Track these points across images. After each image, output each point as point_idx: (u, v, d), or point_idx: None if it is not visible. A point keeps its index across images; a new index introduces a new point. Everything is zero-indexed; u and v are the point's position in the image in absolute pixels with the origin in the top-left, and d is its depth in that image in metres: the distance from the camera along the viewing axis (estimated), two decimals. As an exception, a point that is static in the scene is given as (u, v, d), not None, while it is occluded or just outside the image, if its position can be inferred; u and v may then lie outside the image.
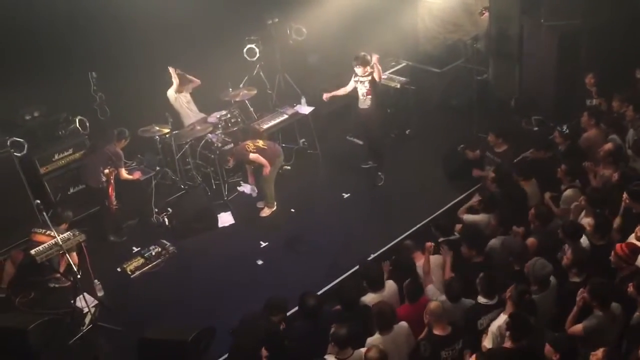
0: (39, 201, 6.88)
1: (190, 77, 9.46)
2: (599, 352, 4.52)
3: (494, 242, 6.31)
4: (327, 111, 10.23)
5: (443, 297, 5.65)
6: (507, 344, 4.91)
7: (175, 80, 9.29)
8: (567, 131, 7.72)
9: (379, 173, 9.03)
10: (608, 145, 7.06)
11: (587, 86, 8.68)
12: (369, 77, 8.52)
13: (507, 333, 4.91)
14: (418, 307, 5.57)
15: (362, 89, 8.62)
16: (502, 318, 5.16)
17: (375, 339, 5.26)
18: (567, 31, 9.33)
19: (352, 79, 8.76)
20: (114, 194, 8.16)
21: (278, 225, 8.41)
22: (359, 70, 8.53)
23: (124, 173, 8.23)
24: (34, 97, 8.88)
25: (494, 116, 9.92)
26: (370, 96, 8.60)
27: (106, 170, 8.05)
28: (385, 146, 9.41)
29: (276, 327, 5.73)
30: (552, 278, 5.54)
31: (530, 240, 6.18)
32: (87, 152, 8.45)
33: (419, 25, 12.30)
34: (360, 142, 9.70)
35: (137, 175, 8.51)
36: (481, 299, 5.57)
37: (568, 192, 6.77)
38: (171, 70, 9.27)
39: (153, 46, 9.65)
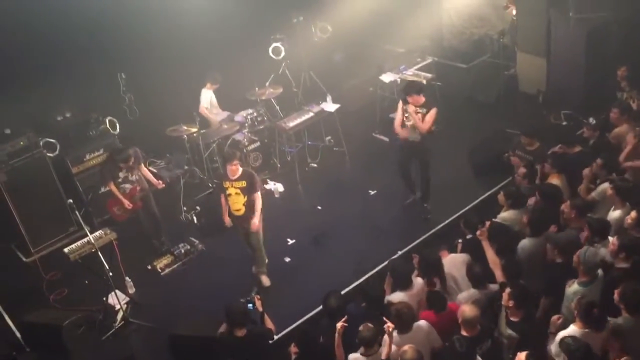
0: (71, 200, 7.02)
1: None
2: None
3: (524, 243, 6.16)
4: (353, 109, 10.23)
5: (471, 291, 5.64)
6: None
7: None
8: (594, 122, 7.61)
9: (425, 205, 8.24)
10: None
11: (619, 79, 8.54)
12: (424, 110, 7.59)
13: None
14: (442, 316, 5.50)
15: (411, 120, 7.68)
16: (571, 329, 4.95)
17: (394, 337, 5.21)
18: (597, 23, 9.18)
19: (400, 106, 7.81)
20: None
21: (305, 223, 8.45)
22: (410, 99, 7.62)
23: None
24: (65, 98, 9.07)
25: (521, 111, 9.80)
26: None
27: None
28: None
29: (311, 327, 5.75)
30: (599, 271, 5.42)
31: None
32: None
33: (444, 21, 12.24)
34: (387, 139, 9.66)
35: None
36: None
37: (604, 185, 6.58)
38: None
39: (180, 47, 9.79)
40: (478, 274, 5.70)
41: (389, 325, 5.13)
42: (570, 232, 6.15)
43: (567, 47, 9.56)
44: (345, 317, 5.42)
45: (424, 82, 9.90)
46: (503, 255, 5.96)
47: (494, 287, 5.75)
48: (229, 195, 7.11)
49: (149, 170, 8.23)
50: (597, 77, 9.29)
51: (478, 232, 6.13)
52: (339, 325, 5.34)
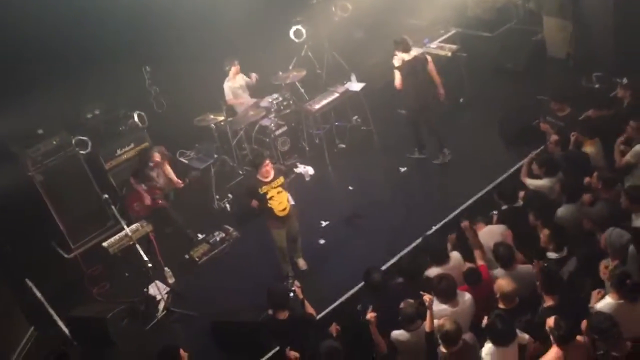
0: (107, 195, 7.15)
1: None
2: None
3: (561, 211, 6.08)
4: (378, 86, 10.12)
5: (499, 270, 5.56)
6: None
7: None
8: (627, 82, 7.39)
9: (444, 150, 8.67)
10: None
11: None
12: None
13: None
14: (476, 289, 5.47)
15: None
16: (607, 300, 4.81)
17: (443, 309, 5.22)
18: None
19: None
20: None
21: (337, 204, 8.44)
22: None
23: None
24: (92, 95, 9.20)
25: (551, 77, 9.58)
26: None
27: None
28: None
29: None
30: (631, 247, 5.24)
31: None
32: None
33: (466, -10, 11.99)
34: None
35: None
36: (551, 255, 5.49)
37: (638, 147, 6.44)
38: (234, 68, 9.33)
39: (201, 37, 9.82)
40: (503, 255, 5.55)
41: (427, 297, 5.12)
42: (603, 206, 5.98)
43: (594, 8, 9.28)
44: (372, 308, 5.42)
45: (449, 54, 9.76)
46: (546, 224, 5.82)
47: (522, 267, 5.62)
48: (271, 198, 6.80)
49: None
50: (628, 35, 8.99)
51: (462, 224, 6.06)
52: (369, 316, 5.35)
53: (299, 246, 7.46)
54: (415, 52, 8.48)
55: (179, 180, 8.15)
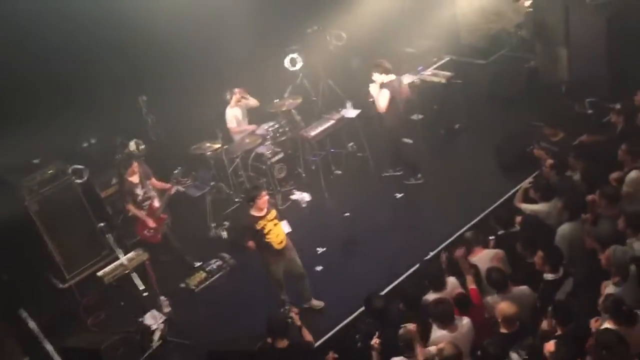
0: (102, 224, 7.11)
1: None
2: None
3: (563, 229, 6.05)
4: (374, 113, 10.17)
5: (495, 296, 5.54)
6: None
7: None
8: (620, 107, 7.46)
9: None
10: None
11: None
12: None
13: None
14: (469, 316, 5.44)
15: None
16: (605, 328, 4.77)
17: (442, 335, 5.18)
18: (616, 8, 9.01)
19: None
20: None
21: (333, 231, 8.42)
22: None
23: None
24: (89, 125, 9.23)
25: (545, 103, 9.67)
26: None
27: None
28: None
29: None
30: (632, 267, 5.24)
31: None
32: None
33: (459, 18, 12.17)
34: (410, 141, 9.60)
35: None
36: (548, 276, 5.47)
37: (633, 174, 6.41)
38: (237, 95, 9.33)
39: (197, 65, 9.90)
40: (496, 280, 5.54)
41: (410, 326, 5.09)
42: (607, 224, 5.98)
43: (587, 35, 9.38)
44: (378, 334, 5.38)
45: (444, 81, 9.85)
46: (541, 248, 5.75)
47: (518, 288, 5.61)
48: (269, 232, 6.59)
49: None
50: (621, 63, 9.10)
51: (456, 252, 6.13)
52: (374, 342, 5.30)
53: (307, 286, 7.14)
54: (406, 78, 8.59)
55: (169, 185, 7.93)
